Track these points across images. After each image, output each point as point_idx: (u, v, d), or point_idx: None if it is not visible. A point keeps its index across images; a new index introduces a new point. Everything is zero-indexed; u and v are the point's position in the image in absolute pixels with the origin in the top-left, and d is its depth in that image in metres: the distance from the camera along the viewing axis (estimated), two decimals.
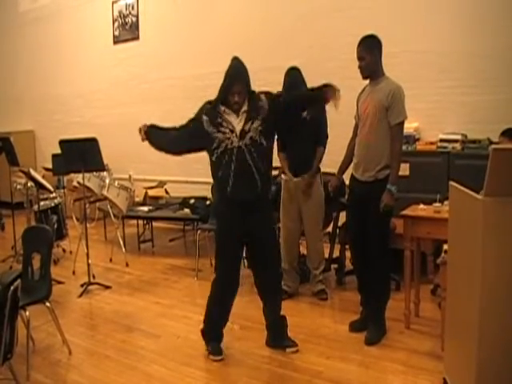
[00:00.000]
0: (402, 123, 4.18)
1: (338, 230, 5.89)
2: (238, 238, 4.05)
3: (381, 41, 4.26)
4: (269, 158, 4.04)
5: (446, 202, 4.21)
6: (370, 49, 4.21)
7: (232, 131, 3.88)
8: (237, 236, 4.03)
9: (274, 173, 5.22)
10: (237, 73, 3.93)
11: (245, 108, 3.92)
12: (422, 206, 4.46)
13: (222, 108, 3.93)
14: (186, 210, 7.14)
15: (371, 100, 4.26)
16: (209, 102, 4.03)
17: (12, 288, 2.93)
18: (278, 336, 4.22)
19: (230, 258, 4.08)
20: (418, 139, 6.26)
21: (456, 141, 5.90)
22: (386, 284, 4.42)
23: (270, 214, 4.24)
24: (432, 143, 6.07)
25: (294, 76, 5.24)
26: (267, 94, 4.04)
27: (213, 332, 4.20)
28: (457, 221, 3.23)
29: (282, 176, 5.37)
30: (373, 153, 4.24)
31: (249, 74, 3.95)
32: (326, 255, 5.77)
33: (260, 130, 3.89)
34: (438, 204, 4.35)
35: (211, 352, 4.13)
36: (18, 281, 3.06)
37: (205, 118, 3.95)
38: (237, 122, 3.89)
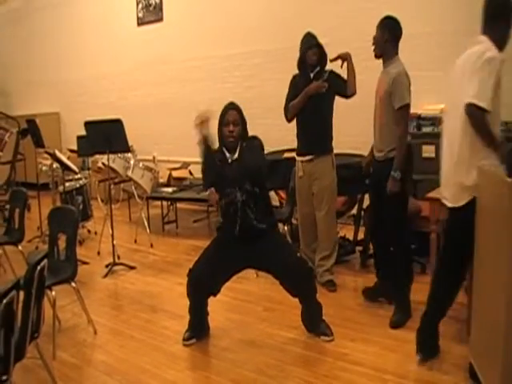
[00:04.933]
0: (405, 107, 4.16)
1: (362, 212, 5.85)
2: (232, 261, 4.02)
3: (398, 23, 4.24)
4: (266, 203, 4.12)
5: None
6: (381, 28, 4.25)
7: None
8: (231, 259, 4.00)
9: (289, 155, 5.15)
10: (232, 104, 4.03)
11: (236, 156, 3.97)
12: None
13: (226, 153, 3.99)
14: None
15: (381, 83, 4.32)
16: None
17: (39, 268, 2.95)
18: (312, 321, 4.15)
19: (211, 269, 4.00)
20: (443, 121, 6.15)
21: None
22: (407, 268, 4.38)
23: (279, 239, 4.22)
24: None
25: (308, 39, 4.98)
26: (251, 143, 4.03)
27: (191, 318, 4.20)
28: (484, 203, 3.17)
29: (296, 157, 5.20)
30: (384, 133, 4.29)
31: (244, 116, 4.00)
32: (350, 238, 5.76)
33: (254, 183, 3.95)
34: None
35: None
36: (45, 261, 3.08)
37: (217, 157, 3.99)
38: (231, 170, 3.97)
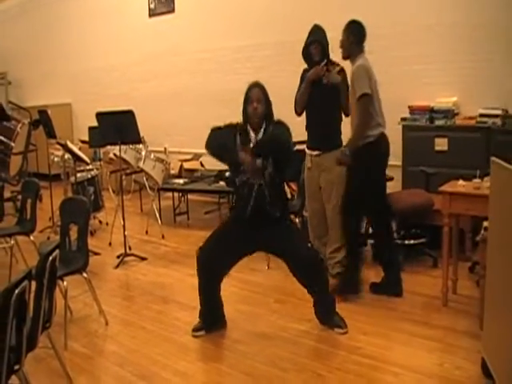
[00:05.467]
0: (363, 97, 4.39)
1: None
2: (242, 245, 4.01)
3: (361, 26, 4.59)
4: (282, 191, 4.13)
5: (485, 178, 4.12)
6: (346, 32, 4.61)
7: None
8: (241, 243, 4.00)
9: (300, 147, 5.13)
10: (255, 83, 4.03)
11: (260, 136, 3.96)
12: (461, 181, 4.36)
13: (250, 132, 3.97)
14: (222, 183, 7.13)
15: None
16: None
17: (51, 258, 2.95)
18: (326, 314, 4.14)
19: (221, 249, 4.00)
20: (456, 114, 6.10)
21: (496, 116, 5.74)
22: (354, 252, 4.80)
23: (288, 223, 4.17)
24: (471, 118, 5.91)
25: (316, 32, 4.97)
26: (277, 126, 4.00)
27: (203, 309, 4.18)
28: (499, 197, 3.14)
29: (306, 150, 5.14)
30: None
31: (268, 96, 3.99)
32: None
33: (275, 167, 3.94)
34: (477, 180, 4.26)
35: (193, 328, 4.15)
36: (57, 251, 3.08)
37: (238, 136, 3.98)
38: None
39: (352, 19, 4.63)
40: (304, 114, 5.00)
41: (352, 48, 4.57)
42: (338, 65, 4.83)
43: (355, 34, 4.58)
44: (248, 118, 3.96)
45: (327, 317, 4.12)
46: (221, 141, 3.95)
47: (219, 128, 4.03)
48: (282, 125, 3.95)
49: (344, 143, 4.74)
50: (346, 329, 4.05)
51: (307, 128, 5.04)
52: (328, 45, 4.85)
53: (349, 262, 4.78)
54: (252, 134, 3.96)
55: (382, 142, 4.57)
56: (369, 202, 4.64)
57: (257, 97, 3.91)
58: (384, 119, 4.63)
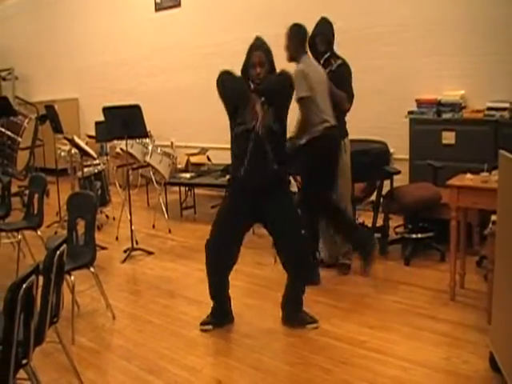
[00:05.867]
0: (300, 100, 4.56)
1: (381, 199, 5.80)
2: (244, 221, 3.98)
3: (302, 28, 4.71)
4: (283, 144, 3.96)
5: (493, 172, 4.10)
6: (288, 36, 4.71)
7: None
8: (242, 219, 3.95)
9: None
10: (257, 44, 3.85)
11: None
12: (468, 175, 4.34)
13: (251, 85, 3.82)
14: (228, 177, 7.11)
15: None
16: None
17: (58, 253, 2.96)
18: (292, 312, 4.11)
19: (227, 236, 3.95)
20: (464, 107, 6.08)
21: (504, 109, 5.72)
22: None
23: (288, 198, 4.04)
24: (479, 111, 5.89)
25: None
26: (281, 74, 3.86)
27: (215, 303, 4.16)
28: (507, 191, 3.13)
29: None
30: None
31: (271, 51, 3.83)
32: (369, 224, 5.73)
33: (274, 117, 3.80)
34: (485, 173, 4.24)
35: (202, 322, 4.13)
36: (64, 246, 3.09)
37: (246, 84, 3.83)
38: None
39: (294, 23, 4.75)
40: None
41: (294, 51, 4.71)
42: (339, 58, 4.92)
43: (296, 36, 4.72)
44: (250, 78, 3.82)
45: (294, 316, 4.10)
46: (234, 84, 3.85)
47: (229, 73, 3.87)
48: (285, 73, 3.84)
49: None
50: (317, 323, 4.05)
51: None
52: (334, 38, 4.87)
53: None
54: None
55: (328, 135, 4.70)
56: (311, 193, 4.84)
57: (259, 61, 3.76)
58: (331, 114, 4.77)
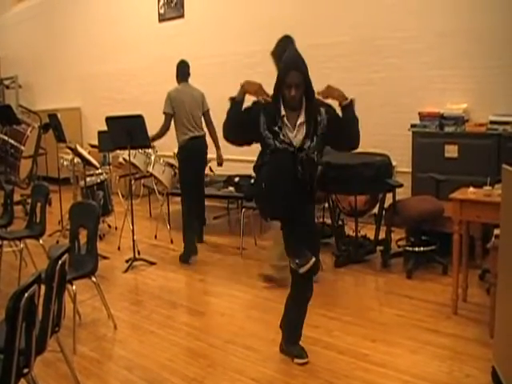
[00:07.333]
0: (163, 114, 6.19)
1: (384, 212, 5.80)
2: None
3: (182, 64, 6.18)
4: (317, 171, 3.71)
5: (496, 186, 4.10)
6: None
7: (290, 145, 3.43)
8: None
9: None
10: (293, 61, 3.45)
11: (301, 119, 3.46)
12: (471, 189, 4.34)
13: (283, 111, 3.46)
14: (231, 188, 7.13)
15: None
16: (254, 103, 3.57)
17: (60, 262, 2.96)
18: (282, 340, 3.92)
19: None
20: (466, 120, 6.08)
21: (507, 123, 5.71)
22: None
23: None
24: (482, 125, 5.89)
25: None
26: (328, 108, 3.56)
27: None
28: (510, 205, 3.12)
29: None
30: None
31: (306, 65, 3.44)
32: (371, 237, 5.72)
33: (316, 149, 3.51)
34: (488, 187, 4.23)
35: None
36: (66, 255, 3.09)
37: (262, 119, 3.47)
38: (293, 136, 3.45)
39: (180, 60, 6.37)
40: None
41: (177, 79, 6.36)
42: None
43: (178, 70, 6.39)
44: (283, 100, 3.45)
45: (290, 339, 3.88)
46: (239, 125, 3.55)
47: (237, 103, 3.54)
48: (331, 111, 3.54)
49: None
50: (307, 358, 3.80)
51: None
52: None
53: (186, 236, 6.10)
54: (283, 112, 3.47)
55: (189, 144, 6.09)
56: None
57: (296, 82, 3.36)
58: (193, 127, 6.11)
